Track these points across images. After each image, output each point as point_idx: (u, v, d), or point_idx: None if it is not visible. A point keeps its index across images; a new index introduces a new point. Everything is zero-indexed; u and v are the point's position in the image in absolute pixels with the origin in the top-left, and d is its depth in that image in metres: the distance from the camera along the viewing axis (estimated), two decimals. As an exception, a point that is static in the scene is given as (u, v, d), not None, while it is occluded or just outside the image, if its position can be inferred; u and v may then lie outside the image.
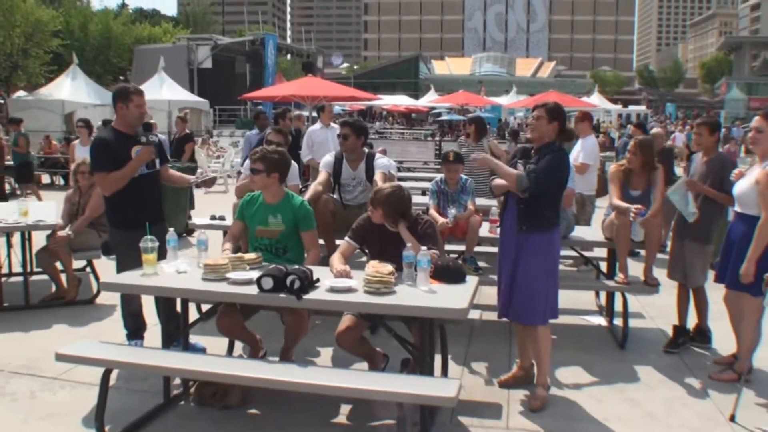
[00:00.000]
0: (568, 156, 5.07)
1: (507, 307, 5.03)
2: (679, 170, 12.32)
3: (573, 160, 8.89)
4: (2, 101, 35.06)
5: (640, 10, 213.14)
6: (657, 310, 7.26)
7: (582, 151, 8.82)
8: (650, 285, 6.14)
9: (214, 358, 4.76)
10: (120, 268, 5.37)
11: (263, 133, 9.52)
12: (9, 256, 7.96)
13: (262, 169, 5.14)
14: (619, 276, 6.19)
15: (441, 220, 6.26)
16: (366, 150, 6.88)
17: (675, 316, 6.26)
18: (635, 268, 6.44)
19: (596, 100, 42.57)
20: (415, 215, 5.09)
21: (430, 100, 48.10)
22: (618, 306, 6.55)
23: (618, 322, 6.55)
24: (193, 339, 5.23)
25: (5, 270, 7.85)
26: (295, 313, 4.91)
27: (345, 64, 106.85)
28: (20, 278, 7.49)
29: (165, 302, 5.04)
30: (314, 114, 13.98)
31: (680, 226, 6.09)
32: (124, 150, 5.44)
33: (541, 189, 4.75)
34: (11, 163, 14.88)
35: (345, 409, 4.80)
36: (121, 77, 45.92)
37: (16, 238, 7.87)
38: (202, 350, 5.67)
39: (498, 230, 6.33)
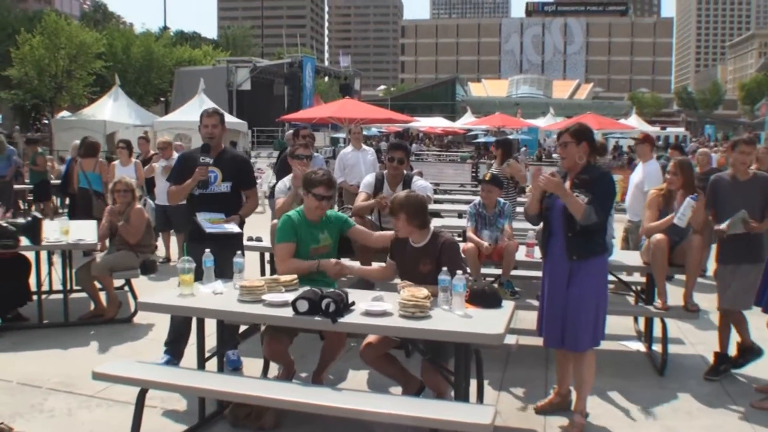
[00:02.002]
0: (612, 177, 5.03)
1: (557, 336, 4.93)
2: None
3: (634, 186, 8.78)
4: (47, 121, 35.75)
5: (678, 32, 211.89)
6: (697, 337, 7.13)
7: (646, 179, 8.58)
8: (690, 311, 6.03)
9: (250, 379, 4.77)
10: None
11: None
12: (50, 273, 8.09)
13: (332, 195, 5.35)
14: (658, 301, 6.09)
15: (484, 244, 6.27)
16: (405, 171, 6.91)
17: (716, 342, 6.13)
18: (674, 294, 6.34)
19: (634, 122, 42.10)
20: (436, 231, 5.08)
21: (466, 122, 48.03)
22: (657, 332, 6.45)
23: (657, 348, 6.44)
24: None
25: (45, 287, 7.98)
26: (336, 333, 4.93)
27: (382, 87, 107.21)
28: (60, 296, 7.59)
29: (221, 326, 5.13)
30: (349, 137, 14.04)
31: (735, 252, 5.86)
32: (194, 167, 5.82)
33: (603, 220, 4.74)
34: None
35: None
36: (162, 99, 46.63)
37: (57, 256, 7.99)
38: (236, 364, 5.74)
39: (534, 253, 6.31)
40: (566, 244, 4.82)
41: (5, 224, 4.32)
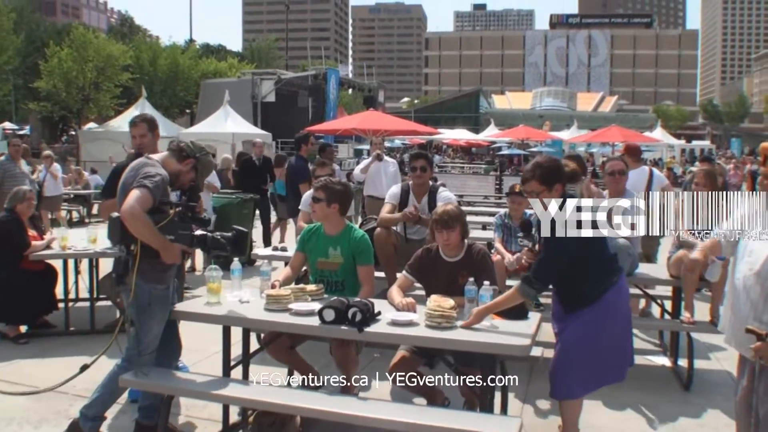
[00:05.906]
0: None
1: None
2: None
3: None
4: (74, 132, 36.24)
5: (704, 44, 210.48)
6: (723, 352, 7.04)
7: (654, 181, 8.22)
8: (717, 325, 5.96)
9: (274, 388, 4.77)
10: None
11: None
12: (77, 282, 8.17)
13: (322, 198, 5.17)
14: (685, 315, 6.03)
15: (509, 257, 6.25)
16: (431, 183, 6.91)
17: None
18: (698, 308, 6.28)
19: (659, 135, 41.88)
20: (469, 243, 5.06)
21: (490, 134, 47.99)
22: (683, 346, 6.38)
23: (683, 362, 6.38)
24: (253, 369, 5.23)
25: (72, 295, 8.06)
26: (341, 347, 4.93)
27: (406, 99, 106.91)
28: (87, 304, 7.66)
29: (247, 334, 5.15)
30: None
31: None
32: None
33: (555, 279, 4.46)
34: None
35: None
36: (188, 110, 47.04)
37: (84, 265, 8.07)
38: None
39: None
40: (558, 298, 4.63)
41: (218, 236, 4.45)
